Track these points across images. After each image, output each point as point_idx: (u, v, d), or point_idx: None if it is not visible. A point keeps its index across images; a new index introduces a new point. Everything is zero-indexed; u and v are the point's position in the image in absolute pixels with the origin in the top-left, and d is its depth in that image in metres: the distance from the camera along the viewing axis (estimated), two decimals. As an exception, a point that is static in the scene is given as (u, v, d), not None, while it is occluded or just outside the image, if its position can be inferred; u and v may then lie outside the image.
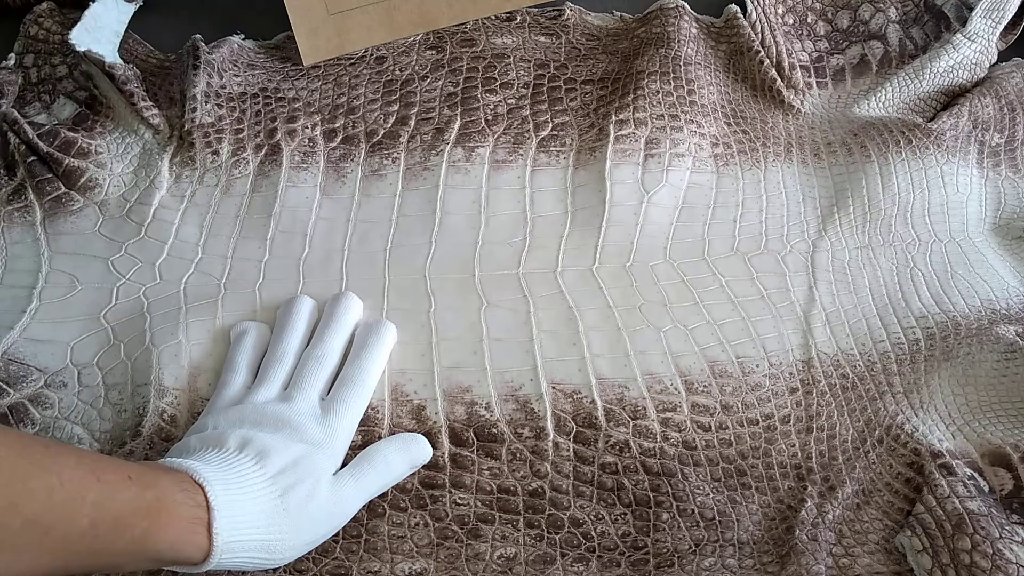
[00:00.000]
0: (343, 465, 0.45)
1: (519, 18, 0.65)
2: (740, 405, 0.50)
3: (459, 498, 0.47)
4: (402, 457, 0.46)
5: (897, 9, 0.65)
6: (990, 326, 0.51)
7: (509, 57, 0.62)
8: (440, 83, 0.61)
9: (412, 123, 0.59)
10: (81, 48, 0.58)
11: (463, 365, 0.50)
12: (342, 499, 0.43)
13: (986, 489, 0.45)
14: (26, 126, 0.57)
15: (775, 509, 0.47)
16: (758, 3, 0.64)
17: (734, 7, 0.64)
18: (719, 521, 0.46)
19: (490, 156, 0.57)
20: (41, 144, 0.57)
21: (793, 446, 0.49)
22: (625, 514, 0.46)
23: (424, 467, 0.47)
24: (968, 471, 0.46)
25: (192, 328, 0.51)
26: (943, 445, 0.47)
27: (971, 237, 0.57)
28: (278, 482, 0.41)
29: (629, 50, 0.63)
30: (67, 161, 0.57)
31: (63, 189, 0.57)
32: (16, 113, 0.58)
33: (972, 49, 0.62)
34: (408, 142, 0.58)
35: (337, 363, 0.49)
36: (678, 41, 0.61)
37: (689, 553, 0.45)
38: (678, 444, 0.48)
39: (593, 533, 0.46)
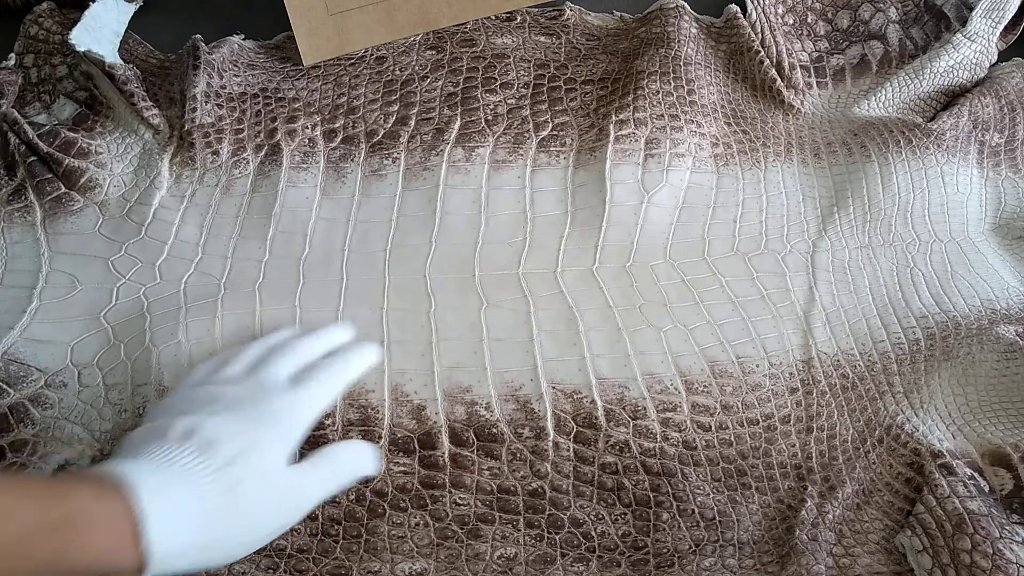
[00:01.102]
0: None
1: (519, 18, 0.65)
2: (740, 405, 0.50)
3: (459, 498, 0.47)
4: (352, 464, 0.44)
5: (897, 9, 0.65)
6: (990, 326, 0.52)
7: (509, 57, 0.62)
8: (440, 83, 0.61)
9: (412, 123, 0.59)
10: (81, 48, 0.58)
11: (463, 365, 0.50)
12: (294, 492, 0.41)
13: (986, 489, 0.45)
14: (26, 126, 0.57)
15: (775, 509, 0.47)
16: (758, 3, 0.64)
17: (734, 7, 0.64)
18: (719, 521, 0.46)
19: (490, 156, 0.57)
20: (41, 144, 0.57)
21: (793, 446, 0.49)
22: (625, 514, 0.46)
23: (424, 467, 0.47)
24: (968, 471, 0.46)
25: (192, 328, 0.51)
26: (943, 445, 0.47)
27: (971, 237, 0.57)
28: (225, 475, 0.38)
29: (629, 50, 0.63)
30: (67, 161, 0.57)
31: (63, 189, 0.57)
32: (16, 113, 0.58)
33: (972, 49, 0.62)
34: (408, 142, 0.58)
35: (311, 360, 0.47)
36: (678, 41, 0.61)
37: (689, 553, 0.45)
38: (678, 444, 0.48)
39: (593, 533, 0.46)
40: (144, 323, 0.52)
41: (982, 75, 0.62)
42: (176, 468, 0.37)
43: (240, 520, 0.38)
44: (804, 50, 0.64)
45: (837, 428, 0.49)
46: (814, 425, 0.49)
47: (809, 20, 0.65)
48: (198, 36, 0.63)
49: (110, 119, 0.60)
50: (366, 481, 0.47)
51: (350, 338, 0.50)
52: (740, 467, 0.48)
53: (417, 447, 0.48)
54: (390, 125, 0.59)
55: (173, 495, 0.36)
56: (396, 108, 0.60)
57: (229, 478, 0.38)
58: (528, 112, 0.59)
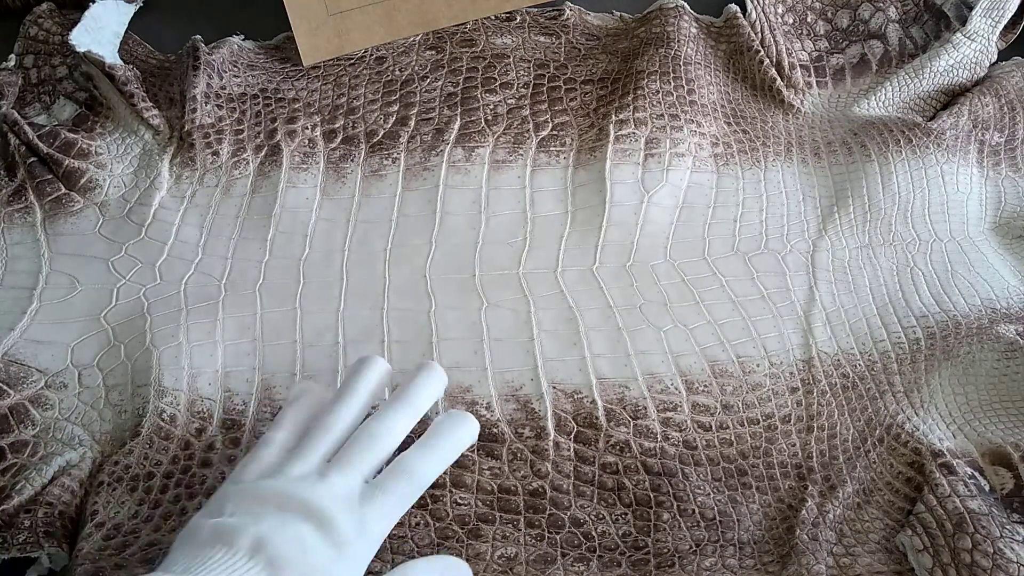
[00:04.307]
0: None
1: (519, 18, 0.65)
2: (741, 405, 0.50)
3: (460, 498, 0.47)
4: None
5: (897, 8, 0.65)
6: (990, 325, 0.51)
7: (509, 57, 0.62)
8: (440, 83, 0.61)
9: (412, 123, 0.59)
10: (81, 49, 0.58)
11: (463, 365, 0.50)
12: None
13: (987, 488, 0.45)
14: (26, 127, 0.57)
15: (776, 509, 0.47)
16: (758, 3, 0.64)
17: (734, 7, 0.64)
18: (720, 521, 0.46)
19: (490, 156, 0.57)
20: (41, 145, 0.57)
21: (794, 446, 0.49)
22: (626, 514, 0.46)
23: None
24: (969, 470, 0.46)
25: (192, 329, 0.51)
26: (944, 444, 0.47)
27: (971, 236, 0.57)
28: None
29: (629, 50, 0.63)
30: (67, 162, 0.57)
31: (63, 190, 0.57)
32: (16, 114, 0.58)
33: (972, 48, 0.62)
34: (408, 142, 0.58)
35: (394, 447, 0.42)
36: (678, 41, 0.61)
37: (690, 553, 0.45)
38: (679, 444, 0.48)
39: (594, 533, 0.46)
40: (144, 324, 0.52)
41: (982, 74, 0.62)
42: None
43: None
44: (804, 50, 0.64)
45: (837, 427, 0.49)
46: (814, 424, 0.49)
47: (809, 20, 0.65)
48: (198, 36, 0.63)
49: (110, 120, 0.60)
50: None
51: (440, 393, 0.45)
52: (740, 467, 0.48)
53: (417, 447, 0.48)
54: (390, 125, 0.59)
55: None
56: (396, 108, 0.60)
57: None
58: (528, 112, 0.59)
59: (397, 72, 0.62)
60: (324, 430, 0.41)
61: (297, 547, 0.36)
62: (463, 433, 0.44)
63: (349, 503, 0.39)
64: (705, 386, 0.50)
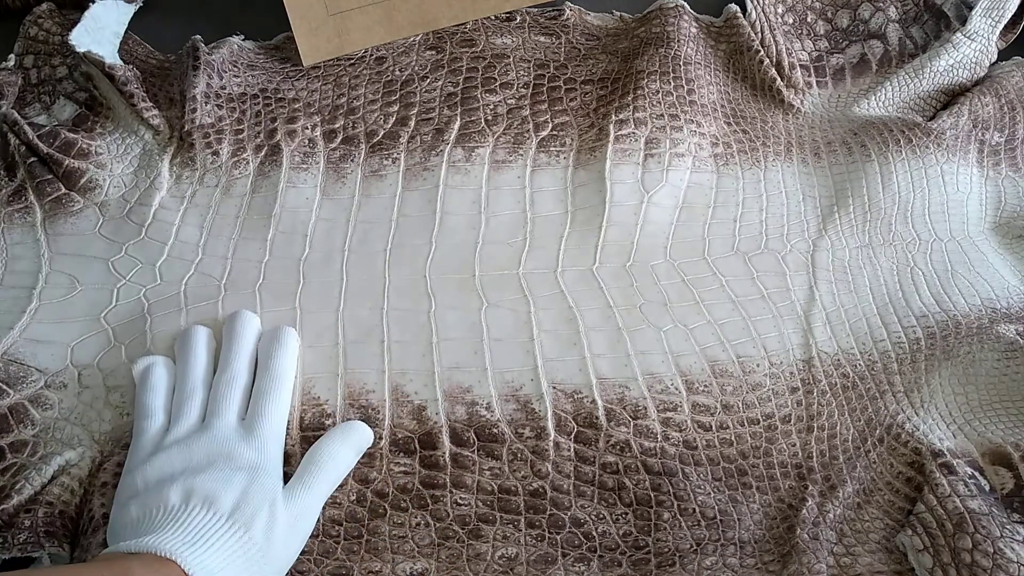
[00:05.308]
0: (286, 473, 0.45)
1: (519, 18, 0.65)
2: (741, 405, 0.50)
3: (460, 498, 0.47)
4: (346, 447, 0.46)
5: (897, 8, 0.65)
6: (991, 325, 0.52)
7: (509, 57, 0.62)
8: (440, 83, 0.61)
9: (412, 123, 0.59)
10: (81, 49, 0.58)
11: (464, 365, 0.50)
12: (302, 510, 0.43)
13: (987, 488, 0.45)
14: (26, 127, 0.57)
15: (776, 508, 0.47)
16: (758, 3, 0.64)
17: (734, 7, 0.64)
18: (720, 520, 0.46)
19: (490, 156, 0.57)
20: (41, 145, 0.57)
21: (794, 445, 0.49)
22: (626, 514, 0.46)
23: (425, 467, 0.47)
24: (969, 470, 0.46)
25: (193, 329, 0.51)
26: (944, 444, 0.47)
27: (971, 236, 0.57)
28: (237, 520, 0.40)
29: (629, 50, 0.63)
30: (67, 162, 0.57)
31: (63, 190, 0.57)
32: (16, 114, 0.58)
33: (972, 48, 0.62)
34: (408, 142, 0.58)
35: (248, 381, 0.48)
36: (678, 41, 0.61)
37: (690, 552, 0.45)
38: (679, 444, 0.48)
39: (594, 533, 0.46)
40: (145, 324, 0.52)
41: (982, 74, 0.62)
42: (193, 529, 0.39)
43: (264, 555, 0.40)
44: (804, 49, 0.64)
45: (838, 427, 0.49)
46: (815, 424, 0.49)
47: (809, 19, 0.65)
48: (198, 36, 0.63)
49: (110, 120, 0.60)
50: (367, 482, 0.47)
51: (258, 329, 0.51)
52: (741, 466, 0.48)
53: (418, 447, 0.48)
54: (390, 125, 0.59)
55: (201, 551, 0.38)
56: (396, 108, 0.60)
57: (242, 522, 0.40)
58: (528, 112, 0.59)
59: (397, 72, 0.62)
60: (187, 398, 0.47)
61: (220, 481, 0.42)
62: (286, 342, 0.50)
63: (238, 435, 0.45)
64: (705, 386, 0.50)
